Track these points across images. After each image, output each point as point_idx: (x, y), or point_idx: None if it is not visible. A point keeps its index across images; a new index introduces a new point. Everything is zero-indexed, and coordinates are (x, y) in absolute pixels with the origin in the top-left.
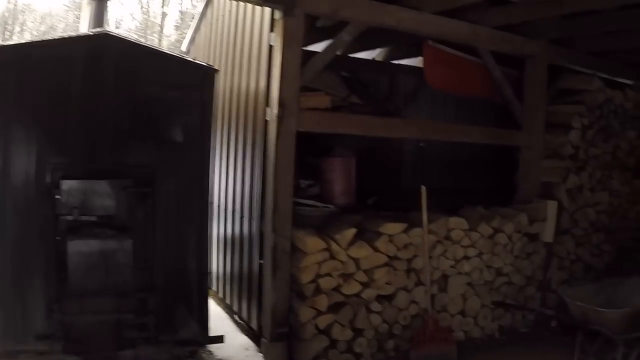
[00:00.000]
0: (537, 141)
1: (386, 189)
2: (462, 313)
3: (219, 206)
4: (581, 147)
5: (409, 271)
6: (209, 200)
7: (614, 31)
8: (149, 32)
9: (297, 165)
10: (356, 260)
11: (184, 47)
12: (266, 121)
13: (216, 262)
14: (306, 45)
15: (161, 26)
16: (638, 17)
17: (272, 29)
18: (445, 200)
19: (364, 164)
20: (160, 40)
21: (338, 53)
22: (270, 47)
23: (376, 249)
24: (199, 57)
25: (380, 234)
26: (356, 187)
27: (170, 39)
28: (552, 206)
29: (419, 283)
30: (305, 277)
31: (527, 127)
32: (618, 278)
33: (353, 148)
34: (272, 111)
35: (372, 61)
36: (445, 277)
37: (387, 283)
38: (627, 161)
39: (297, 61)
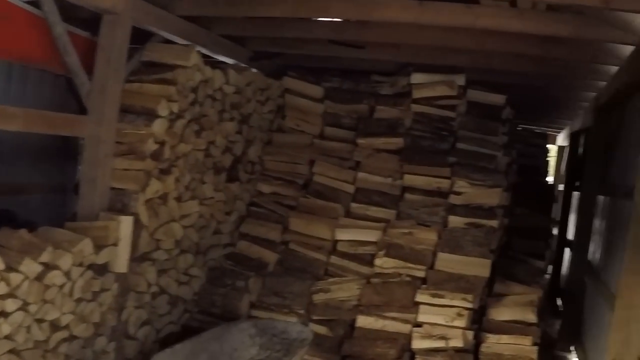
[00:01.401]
0: (108, 132)
1: None
2: None
3: None
4: (168, 142)
5: None
6: None
7: None
8: None
9: None
10: None
11: None
12: None
13: None
14: None
15: None
16: None
17: None
18: None
19: None
20: None
21: None
22: None
23: None
24: None
25: None
26: None
27: None
28: (126, 224)
29: None
30: None
31: (95, 111)
32: (222, 327)
33: None
34: None
35: None
36: None
37: None
38: (222, 160)
39: None
